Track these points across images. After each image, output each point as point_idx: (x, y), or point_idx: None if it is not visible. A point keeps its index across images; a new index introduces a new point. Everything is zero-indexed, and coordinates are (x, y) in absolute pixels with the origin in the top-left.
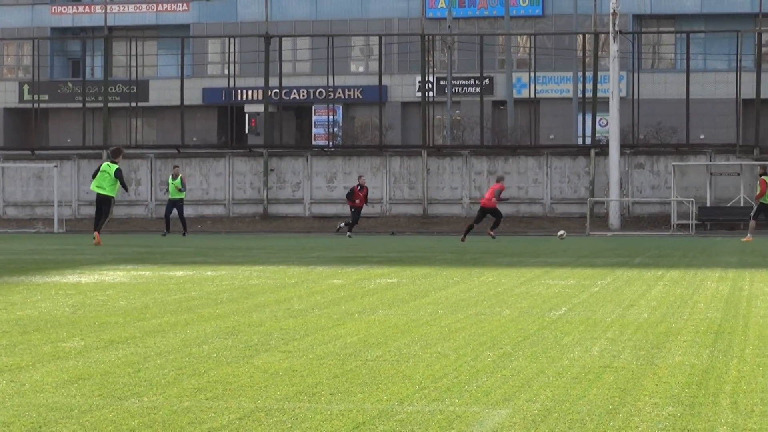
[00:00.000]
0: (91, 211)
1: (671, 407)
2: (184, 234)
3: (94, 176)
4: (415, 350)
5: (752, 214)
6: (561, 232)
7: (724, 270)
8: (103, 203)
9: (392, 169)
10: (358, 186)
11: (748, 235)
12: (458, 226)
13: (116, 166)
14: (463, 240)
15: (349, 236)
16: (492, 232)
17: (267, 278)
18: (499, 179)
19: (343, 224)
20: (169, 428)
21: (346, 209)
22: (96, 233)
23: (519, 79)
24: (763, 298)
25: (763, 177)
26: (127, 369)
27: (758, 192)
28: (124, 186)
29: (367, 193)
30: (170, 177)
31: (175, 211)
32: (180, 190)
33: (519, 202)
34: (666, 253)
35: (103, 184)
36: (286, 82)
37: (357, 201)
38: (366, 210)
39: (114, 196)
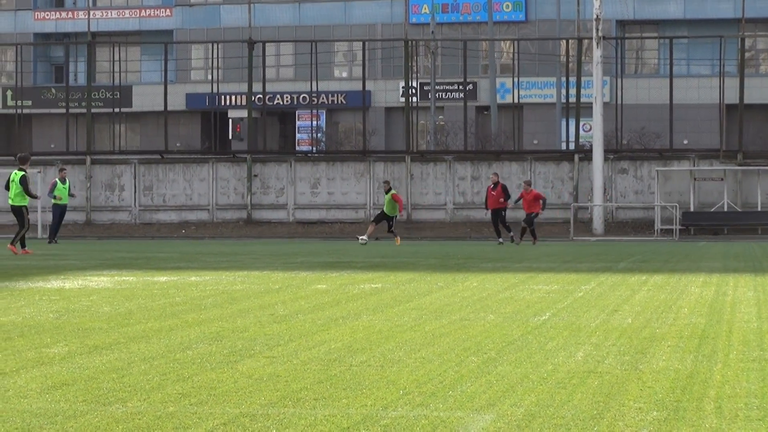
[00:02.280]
0: (71, 217)
1: (656, 412)
2: (54, 241)
3: (6, 187)
4: (400, 355)
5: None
6: (361, 237)
7: (707, 275)
8: (16, 214)
9: (376, 175)
10: (491, 185)
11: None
12: (442, 231)
13: (21, 173)
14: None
15: (501, 243)
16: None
17: (251, 284)
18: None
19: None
20: None
21: (330, 214)
22: (10, 246)
23: (502, 84)
24: (747, 303)
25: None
26: (112, 375)
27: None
28: (29, 194)
29: (501, 190)
30: (59, 180)
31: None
32: (69, 195)
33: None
34: (650, 258)
35: (11, 194)
36: (269, 87)
37: (488, 203)
38: (350, 215)
39: (24, 205)
